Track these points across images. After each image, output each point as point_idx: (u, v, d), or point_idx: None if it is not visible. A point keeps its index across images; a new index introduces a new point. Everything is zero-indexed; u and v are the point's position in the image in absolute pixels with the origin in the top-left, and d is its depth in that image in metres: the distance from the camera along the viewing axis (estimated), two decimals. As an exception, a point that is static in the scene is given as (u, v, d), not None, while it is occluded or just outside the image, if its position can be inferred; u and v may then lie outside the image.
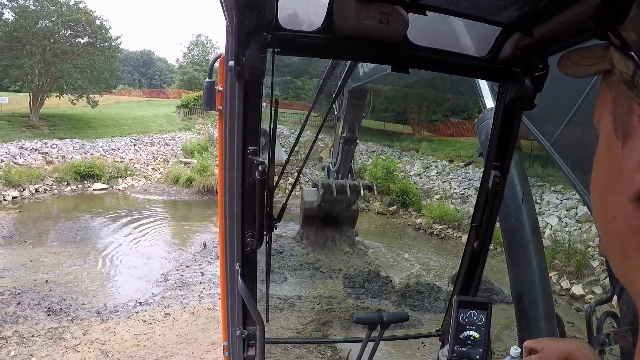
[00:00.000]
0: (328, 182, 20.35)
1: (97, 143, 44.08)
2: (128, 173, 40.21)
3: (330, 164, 22.30)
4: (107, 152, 42.73)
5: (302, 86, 79.66)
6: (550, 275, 20.73)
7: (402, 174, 38.98)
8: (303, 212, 22.92)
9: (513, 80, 2.77)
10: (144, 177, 40.96)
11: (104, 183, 37.63)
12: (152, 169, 42.73)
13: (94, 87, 52.74)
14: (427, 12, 2.34)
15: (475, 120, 5.92)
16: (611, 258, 0.95)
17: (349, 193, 20.26)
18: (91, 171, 37.25)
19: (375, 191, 23.38)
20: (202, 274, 19.97)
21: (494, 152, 3.22)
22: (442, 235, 29.70)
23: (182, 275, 19.83)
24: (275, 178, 3.02)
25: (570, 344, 2.19)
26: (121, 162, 41.42)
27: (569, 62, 1.15)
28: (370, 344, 3.88)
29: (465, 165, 39.91)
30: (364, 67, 15.11)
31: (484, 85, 5.94)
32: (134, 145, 46.04)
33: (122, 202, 34.91)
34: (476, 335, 3.47)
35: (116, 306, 16.51)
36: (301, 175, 23.73)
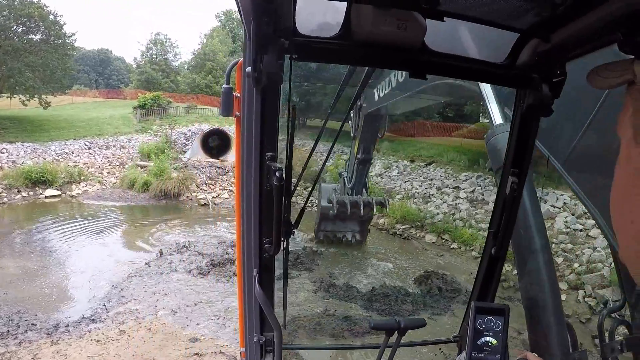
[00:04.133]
0: (343, 199, 22.29)
1: (50, 147, 43.04)
2: (82, 178, 39.12)
3: (345, 178, 23.46)
4: (60, 156, 41.73)
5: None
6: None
7: (376, 176, 38.89)
8: (320, 212, 24.12)
9: (531, 86, 2.76)
10: (99, 181, 39.96)
11: (57, 189, 36.46)
12: (107, 173, 41.73)
13: (46, 87, 51.28)
14: (445, 18, 2.30)
15: (485, 136, 6.19)
16: (629, 263, 0.99)
17: (362, 209, 22.44)
18: (43, 177, 35.99)
19: (388, 207, 26.09)
20: (157, 284, 19.26)
21: (511, 158, 3.21)
22: (405, 235, 29.70)
23: (136, 287, 19.09)
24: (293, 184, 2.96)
25: None
26: (75, 166, 40.36)
27: (597, 75, 1.14)
28: (388, 350, 3.89)
29: (426, 165, 40.02)
30: (379, 92, 16.08)
31: (492, 102, 6.28)
32: (89, 149, 45.02)
33: (75, 210, 33.89)
34: (494, 341, 3.44)
35: (67, 325, 15.63)
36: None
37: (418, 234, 29.55)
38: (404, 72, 13.74)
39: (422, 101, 17.42)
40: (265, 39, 2.20)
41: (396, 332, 3.80)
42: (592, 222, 22.99)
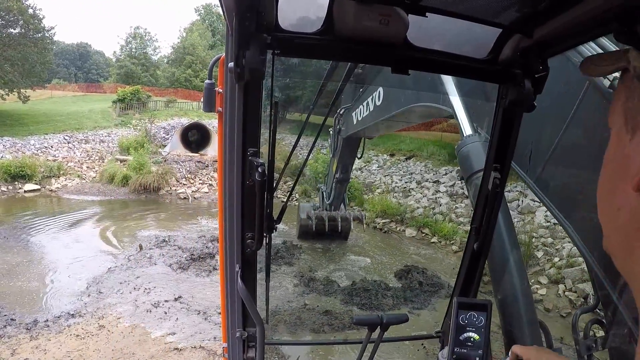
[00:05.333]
0: (321, 215, 23.50)
1: (29, 141, 42.58)
2: (61, 172, 38.63)
3: (325, 193, 23.98)
4: (39, 151, 41.23)
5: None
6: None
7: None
8: (299, 225, 25.08)
9: (513, 81, 2.77)
10: (78, 176, 39.43)
11: (36, 184, 36.05)
12: (87, 167, 41.19)
13: (25, 81, 50.79)
14: (427, 14, 2.33)
15: (455, 146, 6.43)
16: (614, 252, 0.98)
17: (339, 224, 23.65)
18: (22, 171, 35.58)
19: (365, 222, 26.47)
20: (137, 279, 19.20)
21: (493, 154, 3.23)
22: (385, 229, 29.73)
23: (116, 281, 18.98)
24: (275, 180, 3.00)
25: (555, 359, 2.25)
26: (54, 160, 39.83)
27: (592, 64, 1.17)
28: (370, 346, 3.90)
29: (406, 159, 40.08)
30: (357, 116, 16.47)
31: (462, 113, 6.61)
32: (68, 143, 44.51)
33: (54, 204, 33.52)
34: (476, 336, 3.45)
35: (47, 320, 15.47)
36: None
37: (398, 228, 29.59)
38: (382, 95, 13.90)
39: (400, 124, 17.58)
40: (248, 35, 2.21)
41: (378, 327, 3.79)
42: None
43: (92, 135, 47.16)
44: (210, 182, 38.89)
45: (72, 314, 16.00)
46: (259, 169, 2.61)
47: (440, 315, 16.50)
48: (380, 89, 13.78)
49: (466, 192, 30.27)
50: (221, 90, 2.97)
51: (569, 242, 21.08)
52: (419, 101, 11.53)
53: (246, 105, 2.61)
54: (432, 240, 27.37)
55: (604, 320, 4.34)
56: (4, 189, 34.70)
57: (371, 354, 3.90)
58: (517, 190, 26.23)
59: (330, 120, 19.34)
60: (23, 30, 50.34)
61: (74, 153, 42.90)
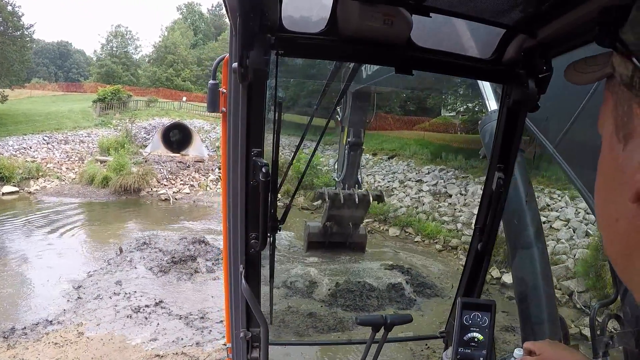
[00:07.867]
0: (335, 192, 20.93)
1: (7, 141, 42.25)
2: (40, 174, 38.32)
3: (335, 177, 22.86)
4: (17, 151, 40.96)
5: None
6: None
7: (325, 167, 38.83)
8: (307, 239, 23.67)
9: (517, 81, 2.79)
10: (57, 177, 39.16)
11: (14, 186, 35.69)
12: (67, 168, 40.90)
13: (3, 80, 50.57)
14: (431, 14, 2.36)
15: (479, 122, 6.02)
16: (614, 260, 0.98)
17: (357, 202, 20.69)
18: (0, 173, 35.21)
19: (385, 200, 23.87)
20: (118, 283, 18.91)
21: (497, 154, 3.23)
22: (369, 229, 29.46)
23: (95, 286, 18.68)
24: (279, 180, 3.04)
25: (570, 354, 2.20)
26: (33, 161, 39.49)
27: (575, 70, 1.16)
28: (374, 346, 3.87)
29: (388, 158, 40.09)
30: (367, 70, 15.78)
31: (487, 87, 6.14)
32: (47, 143, 44.19)
33: (33, 207, 33.03)
34: (480, 336, 3.44)
35: (24, 327, 15.14)
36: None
37: (381, 228, 29.79)
38: None
39: (414, 78, 17.28)
40: (251, 35, 2.23)
41: (382, 327, 3.75)
42: (555, 214, 23.22)
43: (71, 136, 46.81)
44: (191, 182, 38.73)
45: (51, 321, 15.70)
46: (263, 169, 2.59)
47: (426, 315, 16.53)
48: None
49: (449, 191, 30.29)
50: (225, 91, 2.98)
51: (553, 240, 21.14)
52: None
53: (250, 106, 2.60)
54: (415, 240, 27.50)
55: (621, 315, 4.04)
56: (-19, 191, 34.17)
57: (375, 354, 3.89)
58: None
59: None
60: (1, 28, 50.00)
61: (54, 154, 42.64)
